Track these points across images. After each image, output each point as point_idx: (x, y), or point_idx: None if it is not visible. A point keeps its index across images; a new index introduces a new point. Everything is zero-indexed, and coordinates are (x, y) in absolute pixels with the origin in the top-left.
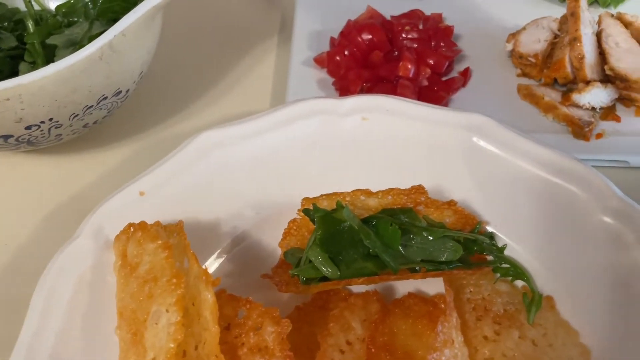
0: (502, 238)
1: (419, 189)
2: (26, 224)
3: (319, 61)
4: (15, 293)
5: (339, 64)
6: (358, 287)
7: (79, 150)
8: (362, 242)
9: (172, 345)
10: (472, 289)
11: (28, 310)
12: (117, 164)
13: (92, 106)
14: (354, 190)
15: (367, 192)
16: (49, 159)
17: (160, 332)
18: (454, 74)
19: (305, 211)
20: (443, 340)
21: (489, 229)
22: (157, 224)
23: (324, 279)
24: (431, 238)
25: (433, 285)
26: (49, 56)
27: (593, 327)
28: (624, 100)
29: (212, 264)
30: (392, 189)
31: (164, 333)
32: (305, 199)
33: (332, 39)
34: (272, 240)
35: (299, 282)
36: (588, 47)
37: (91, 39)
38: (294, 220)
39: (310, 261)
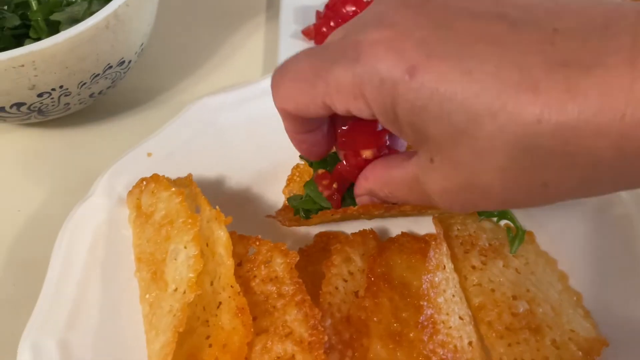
0: None
1: None
2: (38, 191)
3: (307, 33)
4: (31, 255)
5: (325, 35)
6: (355, 228)
7: (85, 123)
8: None
9: (191, 275)
10: (459, 227)
11: (50, 263)
12: (121, 134)
13: (98, 74)
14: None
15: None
16: (56, 131)
17: (180, 266)
18: None
19: (303, 157)
20: (435, 264)
21: None
22: (168, 178)
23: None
24: None
25: (423, 226)
26: (53, 33)
27: (569, 254)
28: None
29: None
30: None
31: (183, 266)
32: None
33: (317, 12)
34: (273, 193)
35: (301, 218)
36: None
37: (91, 15)
38: (297, 166)
39: (309, 196)
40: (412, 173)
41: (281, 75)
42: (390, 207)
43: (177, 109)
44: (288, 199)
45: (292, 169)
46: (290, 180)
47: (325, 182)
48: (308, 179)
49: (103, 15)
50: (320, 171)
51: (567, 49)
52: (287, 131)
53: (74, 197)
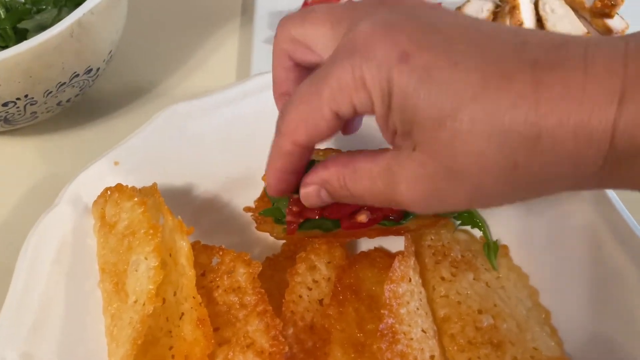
0: None
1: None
2: (5, 201)
3: None
4: None
5: None
6: None
7: (54, 130)
8: None
9: (151, 287)
10: (432, 237)
11: (14, 274)
12: (91, 141)
13: (65, 83)
14: (327, 149)
15: (338, 152)
16: (25, 140)
17: (140, 277)
18: None
19: None
20: (400, 275)
21: None
22: (133, 188)
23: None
24: None
25: (397, 243)
26: (21, 41)
27: (541, 270)
28: None
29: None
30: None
31: (144, 277)
32: None
33: None
34: (241, 201)
35: (273, 222)
36: (526, 15)
37: None
38: None
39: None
40: (384, 163)
41: (286, 109)
42: (361, 233)
43: (149, 115)
44: (265, 188)
45: None
46: None
47: (295, 209)
48: None
49: (67, 24)
50: (296, 196)
51: (536, 53)
52: (280, 170)
53: (42, 205)
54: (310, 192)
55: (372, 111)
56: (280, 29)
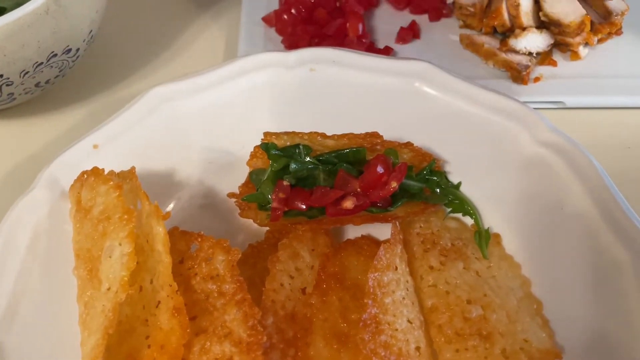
0: (452, 177)
1: (374, 134)
2: None
3: (268, 20)
4: None
5: (286, 22)
6: None
7: (35, 113)
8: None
9: (124, 274)
10: (422, 225)
11: None
12: (73, 125)
13: (42, 63)
14: (312, 132)
15: (324, 135)
16: (5, 122)
17: (114, 264)
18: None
19: (264, 146)
20: (385, 264)
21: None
22: (111, 172)
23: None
24: None
25: (385, 231)
26: None
27: (534, 260)
28: (560, 45)
29: (168, 210)
30: (347, 134)
31: (117, 264)
32: (267, 133)
33: None
34: (225, 187)
35: (257, 209)
36: None
37: None
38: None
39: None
40: None
41: None
42: (347, 220)
43: (131, 99)
44: (250, 174)
45: (255, 147)
46: (253, 155)
47: (282, 195)
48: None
49: (42, 1)
50: (286, 183)
51: None
52: None
53: (22, 189)
54: None
55: None
56: None
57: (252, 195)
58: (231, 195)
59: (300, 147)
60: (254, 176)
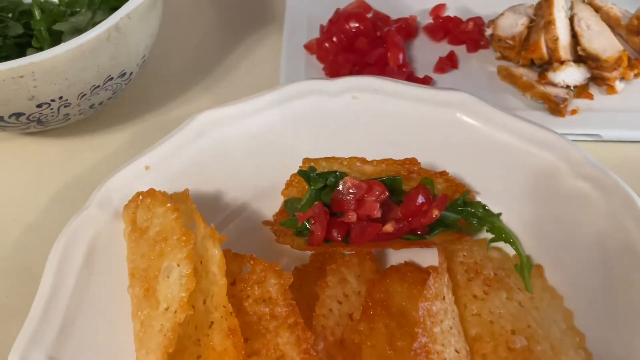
0: (490, 207)
1: (412, 161)
2: (35, 202)
3: (309, 48)
4: (26, 265)
5: (327, 50)
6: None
7: (85, 133)
8: None
9: (183, 295)
10: (465, 254)
11: (43, 273)
12: (120, 145)
13: (99, 86)
14: (351, 157)
15: (363, 160)
16: (55, 141)
17: (172, 285)
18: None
19: (301, 172)
20: (434, 293)
21: (478, 198)
22: (165, 193)
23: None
24: None
25: (427, 257)
26: (55, 43)
27: (576, 291)
28: (596, 79)
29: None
30: (386, 159)
31: (176, 285)
32: (306, 159)
33: (321, 26)
34: (269, 210)
35: (294, 234)
36: (562, 30)
37: (94, 25)
38: (296, 174)
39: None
40: None
41: None
42: (389, 245)
43: (179, 121)
44: (285, 202)
45: (291, 176)
46: (288, 184)
47: (323, 219)
48: (307, 185)
49: (104, 28)
50: (324, 207)
51: None
52: None
53: (73, 207)
54: None
55: None
56: None
57: (288, 220)
58: (266, 223)
59: (338, 173)
60: (289, 205)
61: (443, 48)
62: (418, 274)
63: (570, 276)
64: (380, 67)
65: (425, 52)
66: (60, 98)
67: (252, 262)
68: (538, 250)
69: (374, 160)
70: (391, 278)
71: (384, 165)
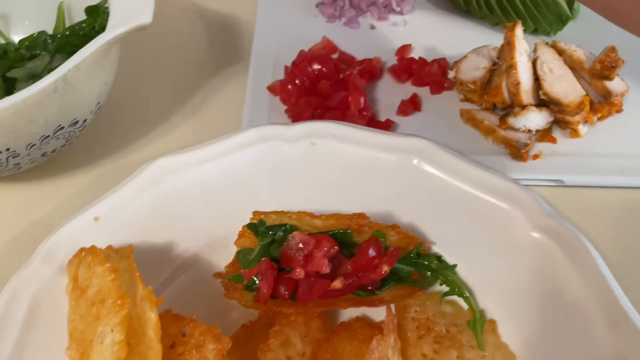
0: (446, 258)
1: (361, 215)
2: None
3: (273, 89)
4: None
5: (290, 92)
6: None
7: (39, 178)
8: None
9: None
10: (417, 309)
11: None
12: (77, 191)
13: (48, 136)
14: (300, 212)
15: (312, 215)
16: (8, 187)
17: (104, 352)
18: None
19: (250, 226)
20: (377, 357)
21: (434, 249)
22: (109, 247)
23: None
24: None
25: (380, 311)
26: (10, 89)
27: (530, 347)
28: (559, 123)
29: (164, 285)
30: (335, 214)
31: (108, 352)
32: (256, 212)
33: (286, 67)
34: (222, 262)
35: (243, 289)
36: (523, 74)
37: (50, 71)
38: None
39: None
40: None
41: None
42: (335, 304)
43: (136, 165)
44: (237, 253)
45: (243, 226)
46: (241, 235)
47: (269, 276)
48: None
49: (50, 80)
50: (272, 263)
51: None
52: None
53: (23, 258)
54: None
55: None
56: None
57: (237, 275)
58: (217, 275)
59: (287, 226)
60: (241, 256)
61: (407, 90)
62: (369, 330)
63: (524, 331)
64: (342, 111)
65: (389, 93)
66: (8, 149)
67: (191, 325)
68: (492, 303)
69: (323, 214)
70: (339, 336)
71: (333, 220)
